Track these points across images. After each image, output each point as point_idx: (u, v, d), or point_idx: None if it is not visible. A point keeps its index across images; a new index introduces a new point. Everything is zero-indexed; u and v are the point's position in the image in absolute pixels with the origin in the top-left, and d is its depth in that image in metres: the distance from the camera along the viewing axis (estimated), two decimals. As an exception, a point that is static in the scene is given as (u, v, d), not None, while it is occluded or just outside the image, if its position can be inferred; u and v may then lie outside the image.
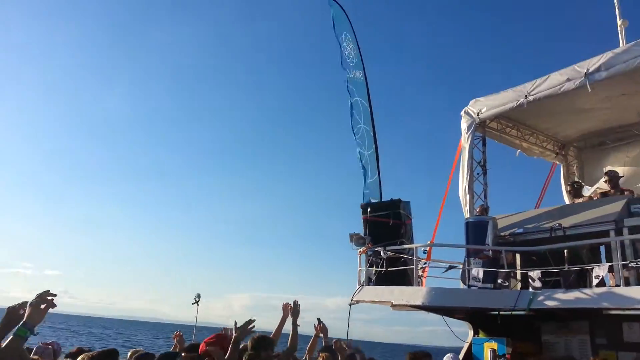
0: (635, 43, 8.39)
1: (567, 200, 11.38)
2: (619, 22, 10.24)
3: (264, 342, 4.79)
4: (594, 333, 8.00)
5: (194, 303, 11.53)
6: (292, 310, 5.64)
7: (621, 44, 9.71)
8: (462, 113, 10.79)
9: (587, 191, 11.72)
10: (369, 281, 9.74)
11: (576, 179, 11.65)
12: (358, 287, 9.82)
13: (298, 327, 5.49)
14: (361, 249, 9.93)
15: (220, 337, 4.92)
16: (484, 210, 10.25)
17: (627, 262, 7.19)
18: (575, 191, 10.13)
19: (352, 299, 9.67)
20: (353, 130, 12.00)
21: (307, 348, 6.19)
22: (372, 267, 9.68)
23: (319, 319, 6.10)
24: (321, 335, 6.13)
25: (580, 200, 9.92)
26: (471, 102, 10.69)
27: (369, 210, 10.46)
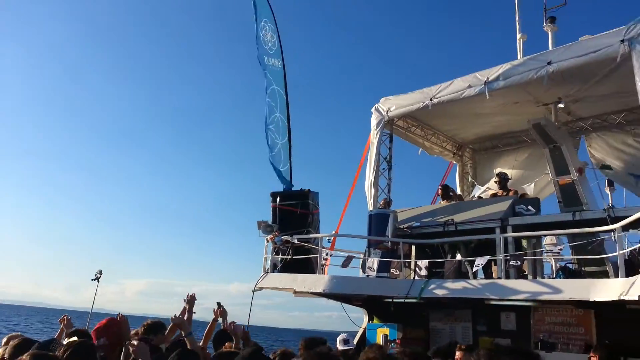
0: (530, 57, 9.09)
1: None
2: (518, 36, 11.08)
3: (156, 327, 5.11)
4: (475, 321, 8.72)
5: (94, 279, 10.51)
6: (188, 300, 5.80)
7: (519, 57, 10.53)
8: (373, 110, 11.18)
9: (479, 190, 12.66)
10: (274, 268, 9.84)
11: (445, 183, 12.42)
12: (263, 274, 9.90)
13: (194, 314, 5.72)
14: (268, 237, 10.01)
15: (112, 322, 4.74)
16: (387, 203, 10.70)
17: (508, 255, 7.90)
18: (444, 194, 11.00)
19: (255, 286, 9.72)
20: (267, 120, 11.87)
21: (205, 333, 6.06)
22: (278, 254, 9.80)
23: (218, 303, 6.06)
24: (220, 319, 6.09)
25: (452, 202, 10.71)
26: (381, 100, 11.09)
27: (278, 198, 10.56)
